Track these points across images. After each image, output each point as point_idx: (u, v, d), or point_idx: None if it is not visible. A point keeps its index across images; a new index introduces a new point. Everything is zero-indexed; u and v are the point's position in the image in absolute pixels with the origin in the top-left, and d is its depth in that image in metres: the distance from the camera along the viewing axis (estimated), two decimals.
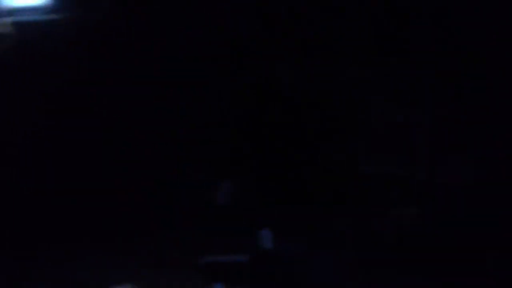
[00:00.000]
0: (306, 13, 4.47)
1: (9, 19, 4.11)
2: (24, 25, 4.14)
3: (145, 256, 4.19)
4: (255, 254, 4.06)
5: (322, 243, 4.11)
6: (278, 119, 4.51)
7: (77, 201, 4.38)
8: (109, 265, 4.00)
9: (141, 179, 4.48)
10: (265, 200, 4.40)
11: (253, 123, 4.53)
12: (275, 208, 4.36)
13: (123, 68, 4.36)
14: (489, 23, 4.22)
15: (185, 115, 4.52)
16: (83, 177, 4.43)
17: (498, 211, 4.04)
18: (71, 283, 3.81)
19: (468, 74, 4.30)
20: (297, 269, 3.89)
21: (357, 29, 4.41)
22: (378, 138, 4.51)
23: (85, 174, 4.41)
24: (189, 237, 4.33)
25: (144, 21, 4.35)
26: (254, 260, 4.00)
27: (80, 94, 4.37)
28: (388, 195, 4.34)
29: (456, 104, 4.35)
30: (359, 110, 4.47)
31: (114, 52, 4.34)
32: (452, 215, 4.20)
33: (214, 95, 4.56)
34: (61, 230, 4.28)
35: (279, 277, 3.86)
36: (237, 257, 4.03)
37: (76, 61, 4.32)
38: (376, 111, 4.49)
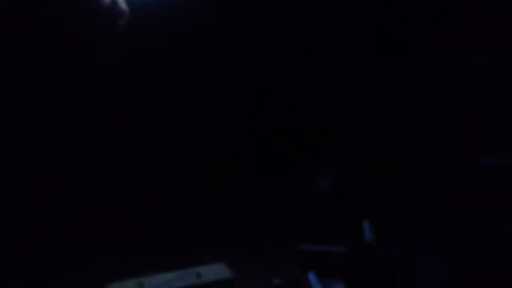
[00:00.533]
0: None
1: None
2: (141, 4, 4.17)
3: (240, 240, 4.15)
4: (356, 245, 3.97)
5: (427, 241, 3.96)
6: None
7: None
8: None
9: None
10: (370, 190, 4.28)
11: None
12: (381, 199, 4.25)
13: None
14: None
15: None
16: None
17: None
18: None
19: None
20: (398, 265, 3.79)
21: None
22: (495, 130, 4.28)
23: None
24: (288, 225, 4.27)
25: None
26: (354, 251, 3.91)
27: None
28: (503, 191, 4.10)
29: None
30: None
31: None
32: None
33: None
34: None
35: (378, 271, 3.76)
36: (335, 248, 3.95)
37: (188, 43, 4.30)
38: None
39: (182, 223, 4.33)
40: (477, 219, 3.96)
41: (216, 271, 3.54)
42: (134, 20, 4.16)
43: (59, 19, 4.00)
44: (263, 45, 4.31)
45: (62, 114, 4.31)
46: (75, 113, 4.35)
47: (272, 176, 4.45)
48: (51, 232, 4.24)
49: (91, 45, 4.09)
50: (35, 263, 4.07)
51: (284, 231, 4.22)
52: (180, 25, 4.26)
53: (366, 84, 4.40)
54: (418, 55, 4.36)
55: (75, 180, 4.41)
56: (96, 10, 3.99)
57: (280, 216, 4.33)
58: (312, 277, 3.58)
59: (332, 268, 3.81)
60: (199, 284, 3.39)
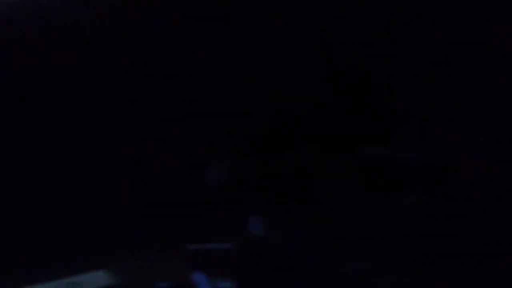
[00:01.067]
0: None
1: None
2: None
3: (125, 243, 4.00)
4: (243, 241, 3.92)
5: (321, 230, 3.96)
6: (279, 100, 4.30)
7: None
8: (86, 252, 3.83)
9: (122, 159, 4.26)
10: (261, 183, 4.21)
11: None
12: (270, 191, 4.20)
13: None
14: None
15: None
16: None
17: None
18: None
19: None
20: (290, 258, 3.78)
21: None
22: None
23: None
24: (173, 222, 4.15)
25: None
26: (241, 248, 3.86)
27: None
28: (394, 180, 4.14)
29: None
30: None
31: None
32: (467, 206, 4.00)
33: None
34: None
35: (269, 266, 3.74)
36: (223, 245, 3.90)
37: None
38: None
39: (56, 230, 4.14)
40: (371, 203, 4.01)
41: (96, 279, 3.40)
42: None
43: None
44: None
45: None
46: None
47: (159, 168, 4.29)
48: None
49: None
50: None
51: (170, 228, 4.11)
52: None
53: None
54: None
55: None
56: None
57: (165, 211, 4.20)
58: (198, 277, 3.52)
59: (220, 266, 3.77)
60: None
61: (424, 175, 4.06)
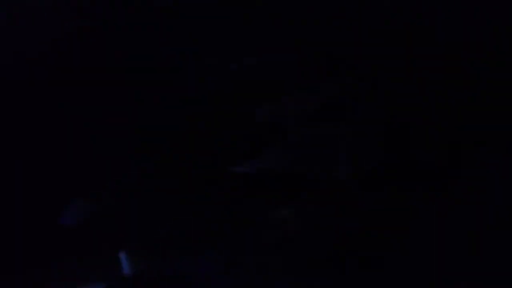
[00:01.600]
0: None
1: None
2: None
3: None
4: (112, 281, 3.65)
5: (196, 252, 3.77)
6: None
7: None
8: None
9: None
10: (123, 218, 3.93)
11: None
12: (135, 224, 3.93)
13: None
14: None
15: None
16: None
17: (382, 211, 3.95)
18: None
19: None
20: None
21: None
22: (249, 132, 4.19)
23: None
24: (32, 268, 3.74)
25: None
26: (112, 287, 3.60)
27: None
28: (264, 194, 4.05)
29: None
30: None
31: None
32: (334, 216, 4.03)
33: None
34: None
35: None
36: (92, 285, 3.61)
37: None
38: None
39: None
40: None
41: None
42: None
43: None
44: None
45: None
46: None
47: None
48: None
49: None
50: None
51: (28, 269, 3.70)
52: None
53: None
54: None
55: None
56: None
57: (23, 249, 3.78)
58: None
59: None
60: None
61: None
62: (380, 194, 3.92)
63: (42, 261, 3.69)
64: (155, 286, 3.54)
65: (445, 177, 3.90)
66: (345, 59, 4.19)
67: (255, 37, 4.19)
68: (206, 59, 4.15)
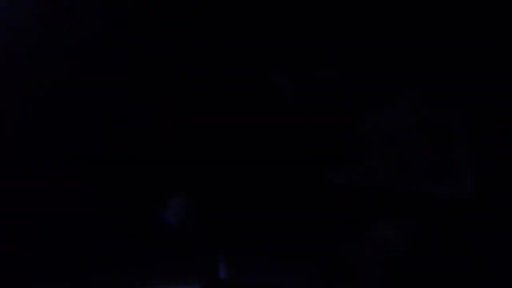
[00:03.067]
0: None
1: None
2: None
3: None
4: (209, 283, 3.67)
5: (291, 271, 3.71)
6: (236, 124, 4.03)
7: None
8: None
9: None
10: (223, 221, 3.92)
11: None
12: (234, 229, 3.91)
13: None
14: None
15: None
16: None
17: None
18: None
19: None
20: None
21: None
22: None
23: None
24: (131, 263, 3.84)
25: None
26: None
27: None
28: (368, 210, 3.87)
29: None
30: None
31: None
32: (448, 235, 3.73)
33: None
34: None
35: None
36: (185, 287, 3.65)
37: None
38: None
39: None
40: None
41: None
42: None
43: None
44: None
45: None
46: None
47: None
48: None
49: None
50: None
51: (126, 267, 3.79)
52: None
53: None
54: None
55: None
56: None
57: (122, 249, 3.88)
58: None
59: None
60: None
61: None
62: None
63: (141, 259, 3.77)
64: None
65: None
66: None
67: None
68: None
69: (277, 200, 3.80)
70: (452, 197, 3.68)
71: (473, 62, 3.84)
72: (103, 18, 3.98)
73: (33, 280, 3.68)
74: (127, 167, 3.92)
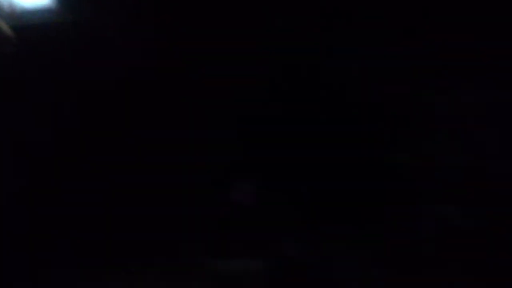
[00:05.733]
0: None
1: (10, 22, 3.98)
2: (27, 28, 3.99)
3: (153, 262, 3.97)
4: (273, 261, 3.81)
5: (353, 247, 3.75)
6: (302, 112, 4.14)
7: None
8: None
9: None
10: (292, 203, 4.05)
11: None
12: (302, 211, 4.03)
13: (130, 72, 4.14)
14: None
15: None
16: None
17: None
18: None
19: None
20: (322, 280, 3.62)
21: None
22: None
23: None
24: (202, 240, 4.07)
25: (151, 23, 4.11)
26: (271, 268, 3.75)
27: (84, 99, 4.19)
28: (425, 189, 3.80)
29: None
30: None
31: (120, 56, 4.13)
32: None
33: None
34: None
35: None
36: (253, 264, 3.80)
37: (80, 65, 4.15)
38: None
39: None
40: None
41: None
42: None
43: None
44: None
45: None
46: None
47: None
48: None
49: None
50: None
51: (195, 245, 4.00)
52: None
53: None
54: None
55: None
56: None
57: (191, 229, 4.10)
58: None
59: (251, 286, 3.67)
60: None
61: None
62: None
63: (213, 232, 3.99)
64: (305, 272, 3.61)
65: None
66: None
67: None
68: None
69: (337, 182, 3.88)
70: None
71: None
72: None
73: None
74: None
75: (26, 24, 3.93)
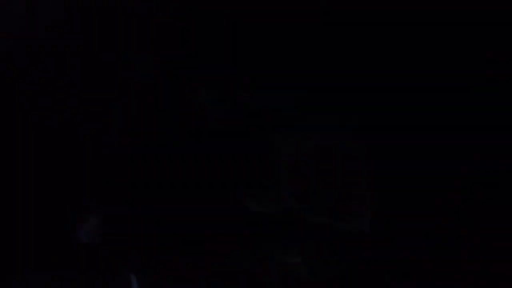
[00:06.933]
0: None
1: None
2: None
3: None
4: None
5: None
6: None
7: None
8: None
9: None
10: (138, 238, 3.93)
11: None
12: (149, 247, 3.92)
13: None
14: None
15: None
16: None
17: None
18: None
19: None
20: None
21: None
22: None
23: None
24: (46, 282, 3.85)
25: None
26: None
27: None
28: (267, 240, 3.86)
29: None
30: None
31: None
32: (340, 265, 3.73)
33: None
34: None
35: None
36: None
37: None
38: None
39: None
40: None
41: None
42: None
43: None
44: None
45: None
46: None
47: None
48: None
49: None
50: None
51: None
52: None
53: None
54: None
55: None
56: None
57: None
58: None
59: None
60: None
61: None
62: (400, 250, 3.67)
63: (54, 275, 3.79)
64: None
65: None
66: None
67: None
68: None
69: (185, 217, 3.84)
70: (350, 230, 3.72)
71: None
72: None
73: None
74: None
75: None
